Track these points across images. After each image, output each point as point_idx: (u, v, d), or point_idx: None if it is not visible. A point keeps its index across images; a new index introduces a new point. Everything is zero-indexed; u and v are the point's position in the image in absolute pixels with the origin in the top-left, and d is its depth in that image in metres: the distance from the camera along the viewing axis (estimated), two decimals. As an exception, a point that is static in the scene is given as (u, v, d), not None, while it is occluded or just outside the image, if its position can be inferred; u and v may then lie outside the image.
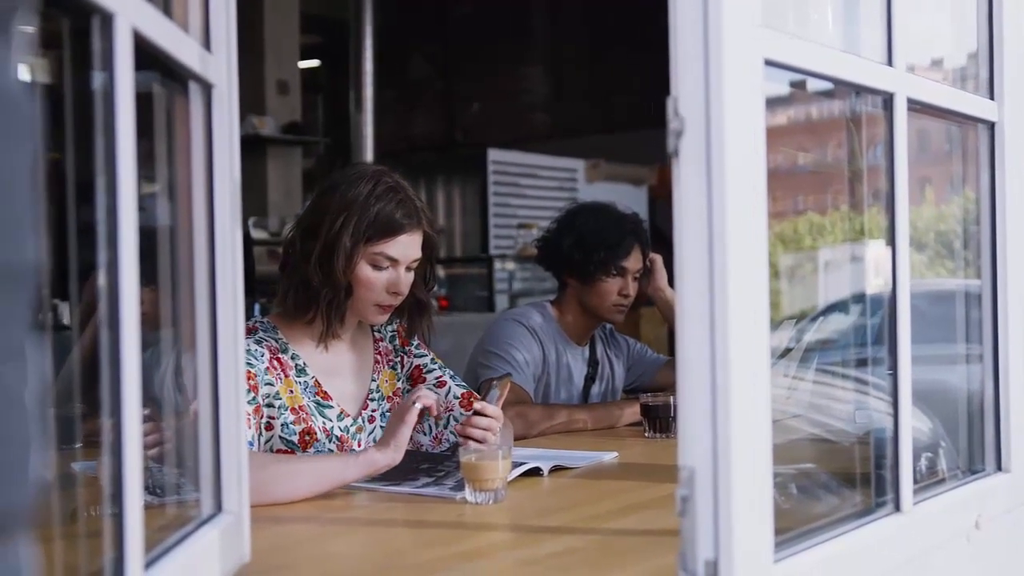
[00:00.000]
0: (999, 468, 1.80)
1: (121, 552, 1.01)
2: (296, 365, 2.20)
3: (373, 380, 2.32)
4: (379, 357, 2.35)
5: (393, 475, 2.00)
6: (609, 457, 2.32)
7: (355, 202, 2.14)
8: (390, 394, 2.34)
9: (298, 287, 2.18)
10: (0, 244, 0.56)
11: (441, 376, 2.37)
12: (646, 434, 2.63)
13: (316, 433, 2.16)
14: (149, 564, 1.09)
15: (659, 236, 5.39)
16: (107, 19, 0.98)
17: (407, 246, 2.19)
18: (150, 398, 1.13)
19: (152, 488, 1.30)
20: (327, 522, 1.78)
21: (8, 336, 0.56)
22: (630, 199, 6.51)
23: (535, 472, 2.09)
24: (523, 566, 1.50)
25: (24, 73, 0.62)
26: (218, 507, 1.37)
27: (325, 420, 2.19)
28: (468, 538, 1.69)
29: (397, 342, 2.39)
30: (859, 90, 1.54)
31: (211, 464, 1.36)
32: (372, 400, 2.31)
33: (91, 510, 1.46)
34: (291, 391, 2.16)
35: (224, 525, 1.34)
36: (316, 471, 1.93)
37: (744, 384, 1.16)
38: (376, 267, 2.17)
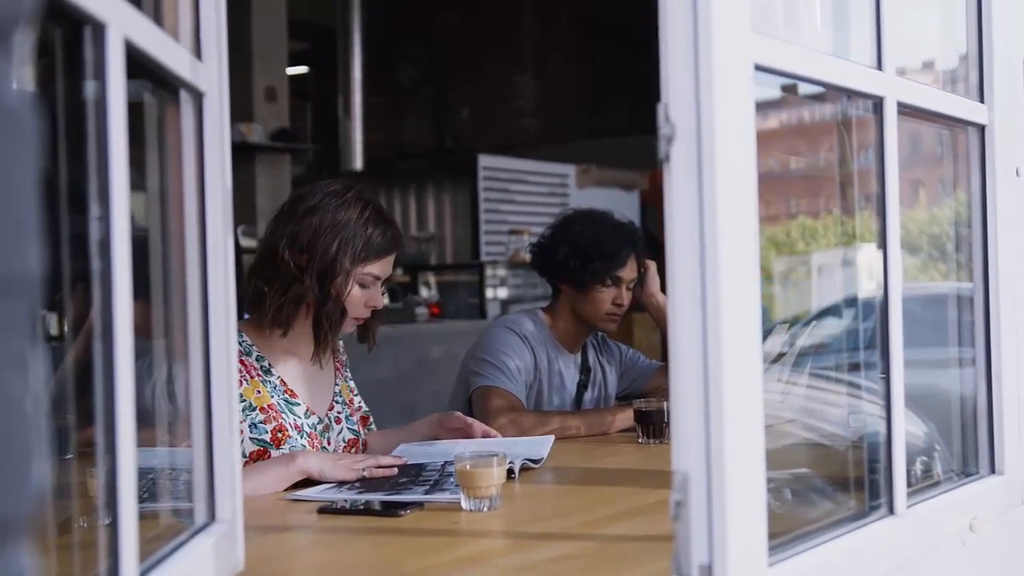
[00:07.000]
0: (992, 471, 1.80)
1: (116, 562, 1.00)
2: (262, 366, 2.26)
3: (336, 385, 2.42)
4: (339, 366, 2.46)
5: (390, 487, 1.99)
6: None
7: (348, 225, 2.23)
8: (348, 400, 2.45)
9: (292, 303, 2.23)
10: (5, 253, 0.57)
11: (362, 406, 2.51)
12: (639, 440, 2.63)
13: (288, 430, 2.23)
14: (143, 574, 1.08)
15: (650, 241, 5.39)
16: (99, 29, 0.98)
17: (390, 265, 2.32)
18: (142, 408, 1.13)
19: (142, 496, 1.29)
20: (321, 531, 1.78)
21: (11, 343, 0.57)
22: (621, 204, 6.51)
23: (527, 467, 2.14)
24: (520, 572, 1.50)
25: (24, 83, 0.62)
26: (212, 516, 1.36)
27: (296, 417, 2.26)
28: (464, 545, 1.69)
29: (345, 358, 2.50)
30: (849, 94, 1.54)
31: (204, 473, 1.36)
32: (337, 403, 2.40)
33: (81, 520, 1.46)
34: (258, 391, 2.23)
35: (218, 534, 1.33)
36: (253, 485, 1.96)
37: (737, 388, 1.16)
38: (362, 286, 2.27)
